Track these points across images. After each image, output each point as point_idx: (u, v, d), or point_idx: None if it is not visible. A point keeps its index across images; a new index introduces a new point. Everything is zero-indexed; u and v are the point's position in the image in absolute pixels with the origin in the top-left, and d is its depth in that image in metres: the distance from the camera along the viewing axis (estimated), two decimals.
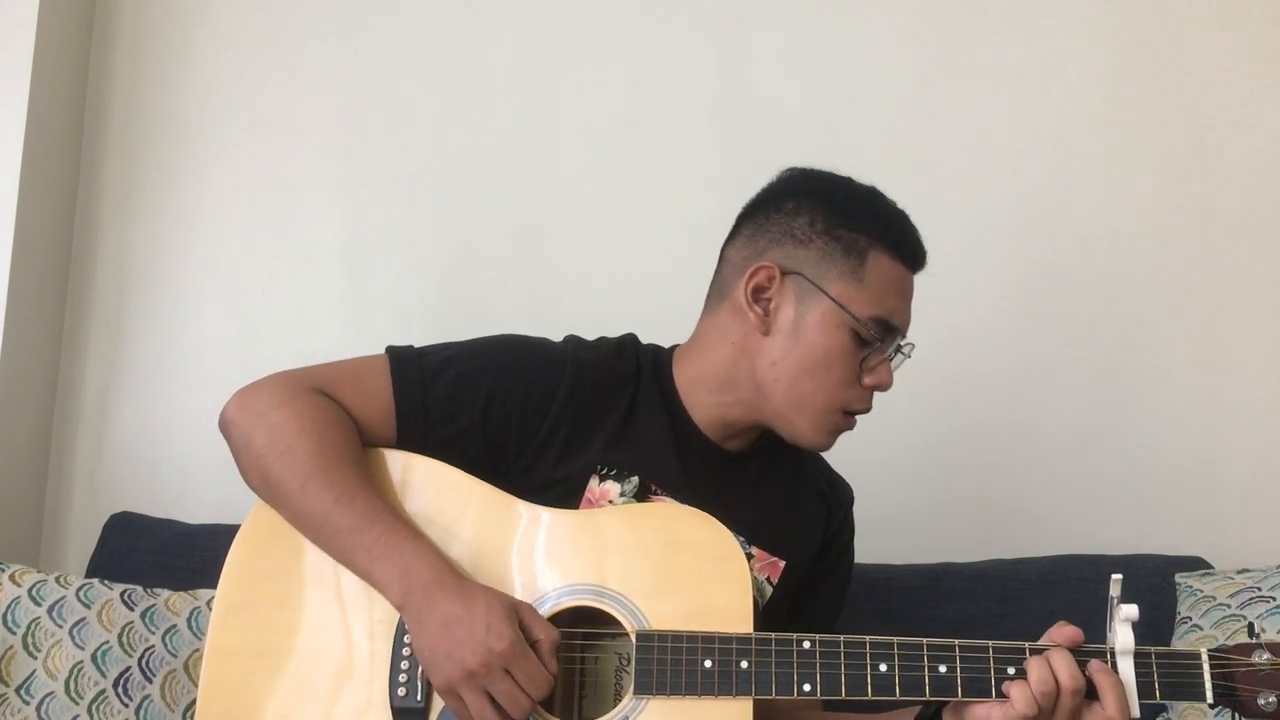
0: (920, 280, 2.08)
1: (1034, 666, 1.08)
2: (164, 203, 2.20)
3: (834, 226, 1.29)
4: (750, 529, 1.22)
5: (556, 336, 1.41)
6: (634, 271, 2.12)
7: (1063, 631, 1.12)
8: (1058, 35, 2.14)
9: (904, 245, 1.32)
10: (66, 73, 2.16)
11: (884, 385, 1.30)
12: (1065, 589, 1.69)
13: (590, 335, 1.42)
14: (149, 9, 2.26)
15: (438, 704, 1.17)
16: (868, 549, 1.80)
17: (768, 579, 1.33)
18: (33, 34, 2.03)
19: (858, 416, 1.33)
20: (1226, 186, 2.07)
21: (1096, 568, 1.66)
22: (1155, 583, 1.67)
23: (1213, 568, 1.72)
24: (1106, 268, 2.07)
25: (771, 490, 1.39)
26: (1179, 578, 1.67)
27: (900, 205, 1.39)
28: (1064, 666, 1.08)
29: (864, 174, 2.09)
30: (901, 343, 1.33)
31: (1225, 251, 2.05)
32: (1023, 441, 2.04)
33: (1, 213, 1.99)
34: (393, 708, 1.18)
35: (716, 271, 1.38)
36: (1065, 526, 1.93)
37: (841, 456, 2.00)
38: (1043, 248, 2.09)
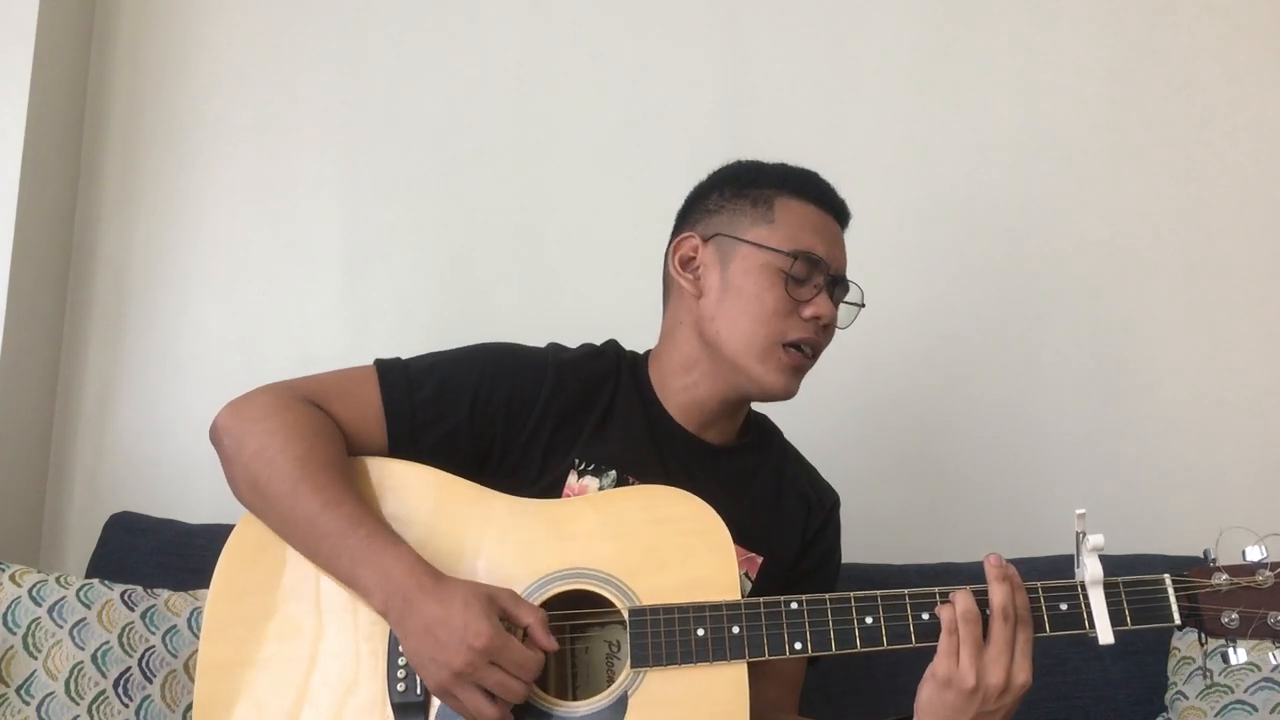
0: (920, 280, 2.10)
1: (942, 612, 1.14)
2: (164, 203, 2.20)
3: (741, 189, 1.38)
4: (729, 523, 1.23)
5: (555, 337, 1.44)
6: (633, 272, 2.12)
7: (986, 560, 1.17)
8: (1058, 36, 2.14)
9: (809, 188, 1.37)
10: (66, 73, 2.16)
11: (824, 316, 1.32)
12: None
13: (588, 335, 1.46)
14: (149, 9, 2.26)
15: None
16: (867, 549, 1.80)
17: (745, 574, 1.35)
18: (33, 34, 2.03)
19: (814, 356, 1.35)
20: (1226, 186, 2.07)
21: None
22: None
23: None
24: (1107, 267, 2.08)
25: (753, 487, 1.41)
26: None
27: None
28: (960, 600, 1.13)
29: (865, 173, 2.11)
30: (847, 298, 1.36)
31: (1225, 251, 2.05)
32: (1023, 441, 2.04)
33: (1, 213, 1.99)
34: (393, 704, 1.19)
35: (663, 279, 1.44)
36: (1065, 526, 1.90)
37: (842, 456, 2.00)
38: (1043, 247, 2.10)
